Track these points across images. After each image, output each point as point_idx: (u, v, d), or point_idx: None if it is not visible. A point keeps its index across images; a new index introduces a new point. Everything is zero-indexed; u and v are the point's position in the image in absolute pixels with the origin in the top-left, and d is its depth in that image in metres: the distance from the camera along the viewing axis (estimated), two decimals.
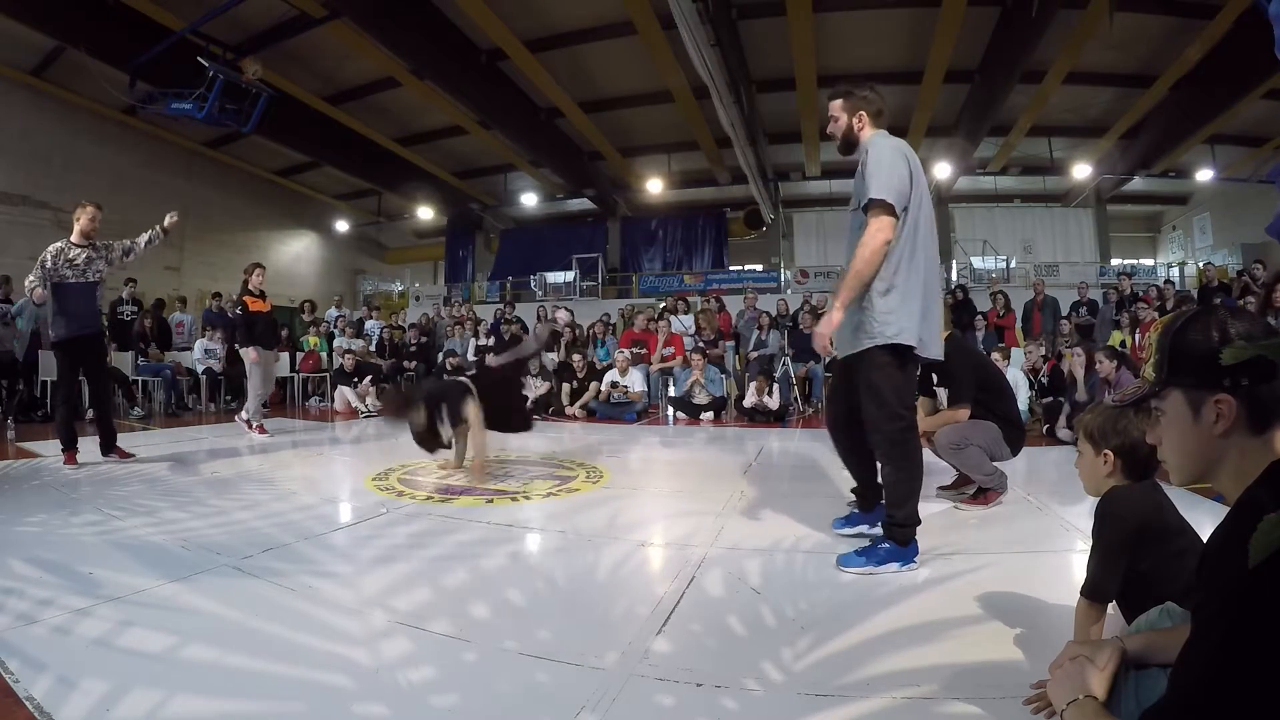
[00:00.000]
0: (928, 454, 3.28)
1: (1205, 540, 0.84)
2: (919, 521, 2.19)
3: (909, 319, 2.12)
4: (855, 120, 2.27)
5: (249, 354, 5.71)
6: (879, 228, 2.06)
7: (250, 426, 5.69)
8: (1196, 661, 0.71)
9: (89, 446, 4.32)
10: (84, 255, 4.13)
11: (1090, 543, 1.42)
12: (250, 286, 5.72)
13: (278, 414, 7.76)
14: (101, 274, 4.24)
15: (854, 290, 2.10)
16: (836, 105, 2.31)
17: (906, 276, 2.12)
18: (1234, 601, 0.67)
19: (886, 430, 2.16)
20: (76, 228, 4.18)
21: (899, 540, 2.16)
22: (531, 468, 4.13)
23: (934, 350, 2.23)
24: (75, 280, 4.10)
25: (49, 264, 4.04)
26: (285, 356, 9.20)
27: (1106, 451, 1.43)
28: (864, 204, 2.11)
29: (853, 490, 2.68)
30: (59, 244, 4.12)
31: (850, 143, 2.30)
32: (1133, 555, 1.32)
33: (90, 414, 6.78)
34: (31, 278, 4.10)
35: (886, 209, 2.06)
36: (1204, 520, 1.38)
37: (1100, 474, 1.45)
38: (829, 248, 15.53)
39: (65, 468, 4.01)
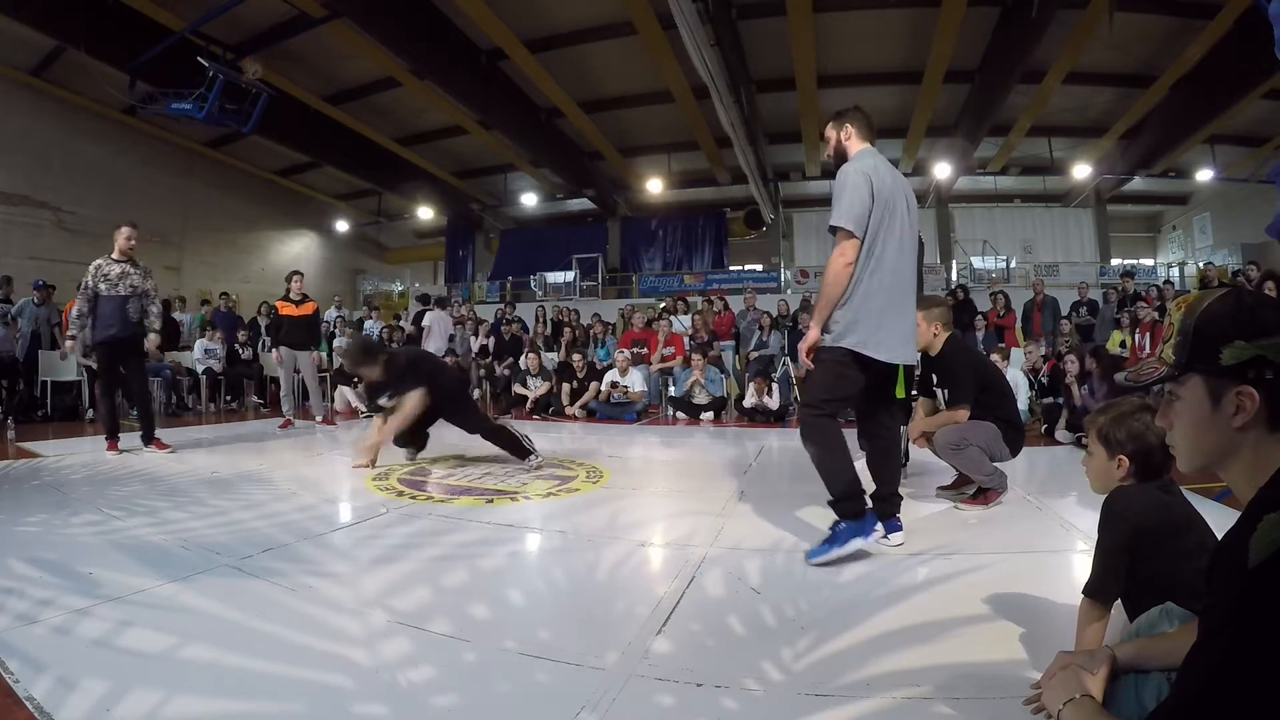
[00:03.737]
0: (927, 454, 3.30)
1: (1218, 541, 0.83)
2: (859, 490, 2.26)
3: (858, 326, 2.25)
4: (842, 134, 2.42)
5: (272, 355, 6.45)
6: (840, 252, 2.25)
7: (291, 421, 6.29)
8: (1202, 663, 0.70)
9: (131, 439, 4.69)
10: (118, 270, 4.54)
11: (1093, 542, 1.41)
12: (290, 294, 6.34)
13: (276, 414, 7.75)
14: (135, 288, 4.61)
15: (826, 310, 2.32)
16: (828, 128, 2.48)
17: (865, 289, 2.26)
18: (1237, 603, 0.67)
19: (803, 413, 2.40)
20: (115, 246, 4.58)
21: (849, 515, 2.22)
22: (532, 468, 4.13)
23: (900, 354, 2.36)
24: (109, 293, 4.52)
25: (89, 281, 4.50)
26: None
27: (1121, 456, 1.41)
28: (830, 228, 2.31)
29: (870, 495, 2.66)
30: (99, 260, 4.55)
31: (841, 157, 2.44)
32: (1135, 555, 1.30)
33: (90, 414, 6.86)
34: (79, 293, 4.52)
35: (845, 234, 2.24)
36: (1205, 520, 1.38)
37: (1113, 477, 1.43)
38: (829, 248, 15.50)
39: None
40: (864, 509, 2.25)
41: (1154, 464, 1.38)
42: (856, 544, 2.18)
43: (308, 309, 6.30)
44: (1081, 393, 5.20)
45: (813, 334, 2.36)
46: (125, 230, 4.61)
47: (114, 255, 4.57)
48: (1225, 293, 0.86)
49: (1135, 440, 1.39)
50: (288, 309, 6.28)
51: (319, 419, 6.35)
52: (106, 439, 4.57)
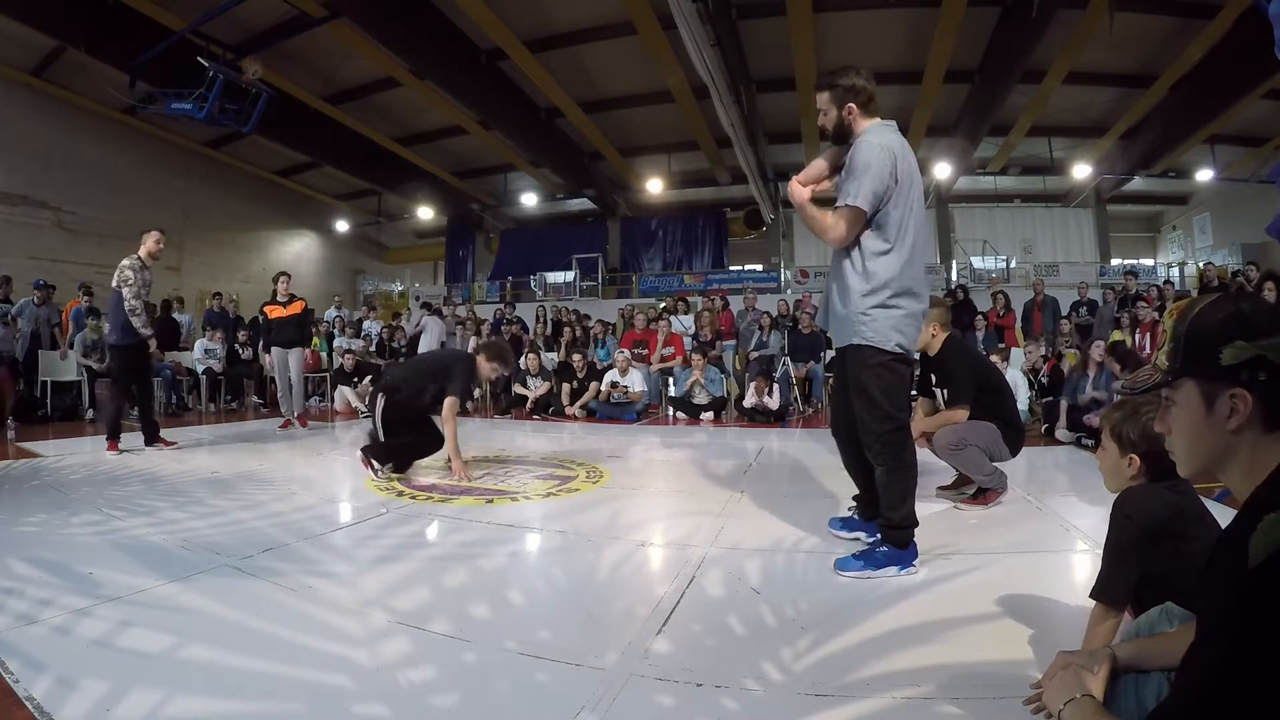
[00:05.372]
0: (927, 454, 3.29)
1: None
2: (916, 523, 2.17)
3: (893, 323, 2.11)
4: (845, 113, 2.18)
5: (264, 358, 6.43)
6: (848, 227, 2.10)
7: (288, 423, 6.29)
8: (1200, 664, 0.70)
9: (133, 440, 4.78)
10: (149, 276, 4.75)
11: (1093, 542, 1.41)
12: (277, 295, 6.31)
13: (276, 414, 7.75)
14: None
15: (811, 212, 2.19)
16: (824, 98, 2.21)
17: (902, 283, 2.11)
18: (1236, 604, 0.67)
19: (877, 431, 2.15)
20: (144, 249, 4.70)
21: (896, 543, 2.14)
22: (531, 468, 4.14)
23: (915, 350, 2.28)
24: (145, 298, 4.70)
25: (131, 277, 4.59)
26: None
27: (1132, 456, 1.41)
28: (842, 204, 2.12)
29: (854, 497, 2.65)
30: (135, 261, 4.65)
31: (843, 135, 2.21)
32: (1145, 557, 1.30)
33: (90, 414, 6.87)
34: (129, 295, 4.58)
35: (856, 214, 2.07)
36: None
37: (1124, 475, 1.43)
38: (828, 247, 15.47)
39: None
40: (912, 541, 2.16)
41: (1165, 464, 1.36)
42: (890, 573, 2.10)
43: (295, 308, 6.28)
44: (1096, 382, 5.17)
45: (800, 190, 2.23)
46: (155, 234, 4.70)
47: (143, 258, 4.66)
48: (1217, 298, 0.87)
49: (1147, 440, 1.37)
50: (276, 311, 6.28)
51: (296, 415, 6.25)
52: (108, 439, 4.58)
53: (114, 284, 4.64)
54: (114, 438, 4.58)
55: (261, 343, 6.60)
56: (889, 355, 2.12)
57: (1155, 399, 1.40)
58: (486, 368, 3.98)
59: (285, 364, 6.27)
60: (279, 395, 6.46)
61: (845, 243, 2.14)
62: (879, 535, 2.24)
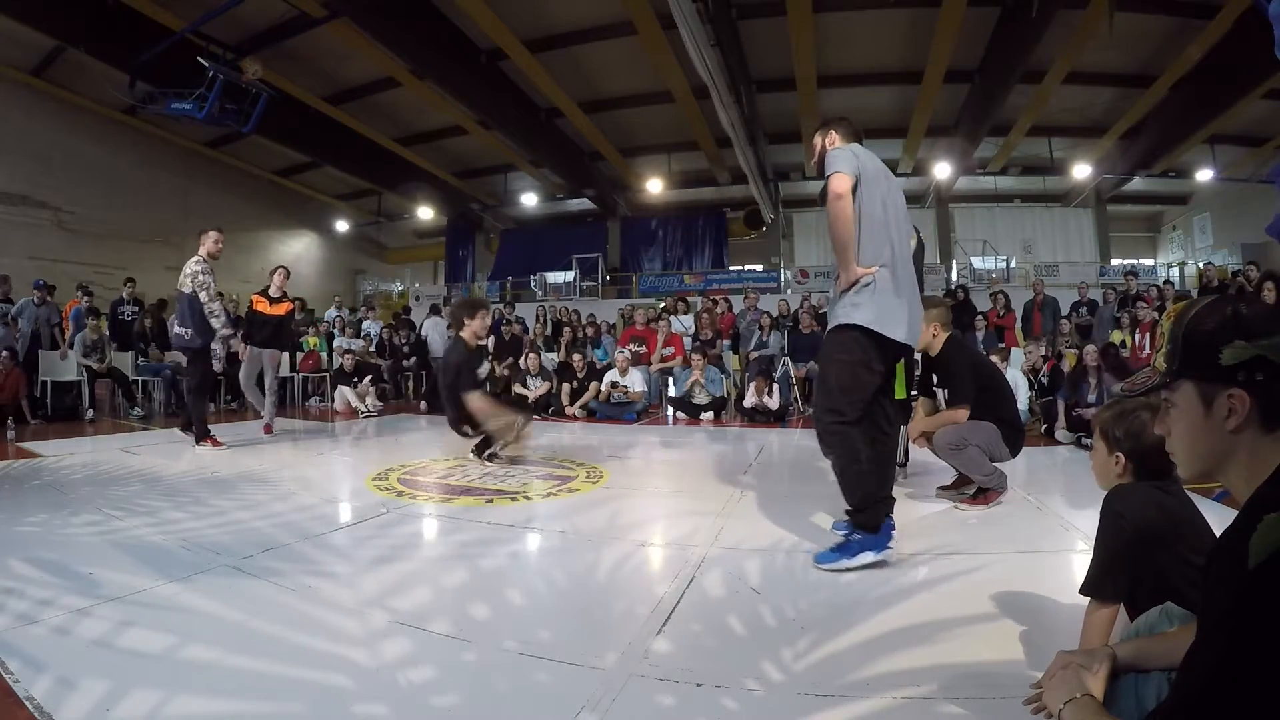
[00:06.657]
0: (927, 454, 3.30)
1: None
2: (875, 502, 2.22)
3: (866, 304, 2.21)
4: (826, 140, 2.48)
5: (242, 349, 5.87)
6: (835, 193, 2.18)
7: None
8: (1200, 664, 0.70)
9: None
10: (212, 277, 4.81)
11: (1092, 542, 1.41)
12: (269, 289, 5.97)
13: (277, 414, 7.74)
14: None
15: (848, 253, 2.24)
16: (815, 136, 2.54)
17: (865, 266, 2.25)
18: (1236, 604, 0.67)
19: (823, 420, 2.27)
20: (203, 249, 4.73)
21: (866, 527, 2.20)
22: (531, 468, 4.14)
23: (907, 335, 2.29)
24: (207, 301, 4.77)
25: (211, 282, 4.70)
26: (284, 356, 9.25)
27: (1119, 455, 1.42)
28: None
29: None
30: (201, 263, 4.71)
31: (823, 161, 2.44)
32: (1137, 556, 1.29)
33: (90, 415, 6.88)
34: (205, 297, 4.66)
35: (838, 179, 2.19)
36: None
37: (1111, 474, 1.44)
38: (829, 247, 15.49)
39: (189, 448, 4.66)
40: (880, 522, 2.21)
41: (1152, 465, 1.37)
42: (868, 557, 2.16)
43: (280, 309, 5.81)
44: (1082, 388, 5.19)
45: (846, 275, 2.23)
46: (214, 234, 4.75)
47: (204, 258, 4.69)
48: (1213, 300, 0.87)
49: (1132, 439, 1.39)
50: (261, 304, 5.77)
51: (265, 424, 5.77)
52: (209, 439, 4.76)
53: (185, 288, 4.65)
54: (208, 436, 4.77)
55: (241, 334, 5.90)
56: (855, 344, 2.21)
57: (1143, 401, 1.41)
58: (469, 333, 4.15)
59: (259, 362, 5.81)
60: (266, 395, 5.93)
61: (845, 192, 2.19)
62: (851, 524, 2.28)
